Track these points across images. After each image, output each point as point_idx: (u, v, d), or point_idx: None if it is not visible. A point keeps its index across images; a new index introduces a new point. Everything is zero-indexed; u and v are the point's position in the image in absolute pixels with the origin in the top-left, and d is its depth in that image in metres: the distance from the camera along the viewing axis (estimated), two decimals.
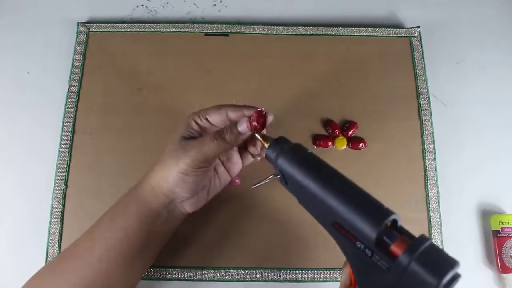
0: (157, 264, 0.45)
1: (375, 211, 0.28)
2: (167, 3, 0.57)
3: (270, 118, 0.36)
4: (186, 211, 0.39)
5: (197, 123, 0.38)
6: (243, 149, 0.41)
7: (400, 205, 0.48)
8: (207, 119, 0.38)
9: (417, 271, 0.24)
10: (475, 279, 0.47)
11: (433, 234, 0.47)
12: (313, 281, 0.46)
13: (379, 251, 0.26)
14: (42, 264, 0.45)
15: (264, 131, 0.36)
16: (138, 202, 0.37)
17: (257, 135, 0.35)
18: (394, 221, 0.28)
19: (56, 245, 0.46)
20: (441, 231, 0.47)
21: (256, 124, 0.35)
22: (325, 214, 0.30)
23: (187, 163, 0.35)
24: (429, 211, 0.48)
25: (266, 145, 0.33)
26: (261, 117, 0.35)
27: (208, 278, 0.45)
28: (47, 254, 0.45)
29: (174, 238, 0.46)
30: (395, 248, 0.26)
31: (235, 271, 0.46)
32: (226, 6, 0.57)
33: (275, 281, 0.45)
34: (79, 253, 0.37)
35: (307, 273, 0.46)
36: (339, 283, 0.45)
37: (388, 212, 0.27)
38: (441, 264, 0.24)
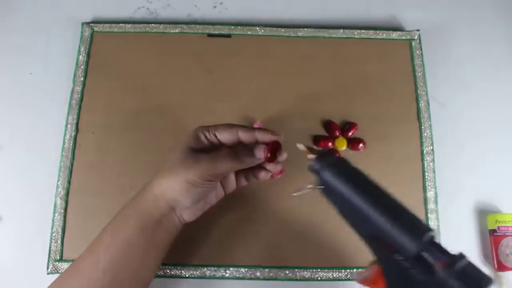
0: None
1: (417, 227, 0.29)
2: (168, 5, 0.58)
3: (284, 156, 0.38)
4: (184, 220, 0.40)
5: (206, 137, 0.38)
6: (247, 170, 0.42)
7: None
8: (215, 135, 0.38)
9: (456, 286, 0.26)
10: None
11: None
12: (312, 280, 0.46)
13: (419, 265, 0.28)
14: (45, 261, 0.46)
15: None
16: (140, 213, 0.38)
17: (301, 147, 0.36)
18: (432, 237, 0.30)
19: (59, 242, 0.46)
20: (439, 232, 0.48)
21: (269, 155, 0.37)
22: (366, 226, 0.31)
23: (197, 174, 0.35)
24: (427, 212, 0.49)
25: (312, 156, 0.34)
26: (277, 147, 0.38)
27: (208, 275, 0.46)
28: (49, 251, 0.46)
29: None
30: (436, 263, 0.28)
31: (236, 269, 0.46)
32: (226, 8, 0.58)
33: (275, 279, 0.46)
34: (83, 269, 0.37)
35: (305, 272, 0.46)
36: (338, 281, 0.46)
37: (429, 229, 0.29)
38: (478, 280, 0.27)
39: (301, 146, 0.36)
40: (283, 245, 0.47)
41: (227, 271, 0.46)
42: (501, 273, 0.47)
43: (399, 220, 0.30)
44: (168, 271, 0.46)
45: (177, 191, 0.36)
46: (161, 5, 0.58)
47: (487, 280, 0.27)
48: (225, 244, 0.47)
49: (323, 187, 0.34)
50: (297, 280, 0.46)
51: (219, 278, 0.46)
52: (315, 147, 0.36)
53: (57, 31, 0.56)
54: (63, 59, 0.54)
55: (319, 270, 0.46)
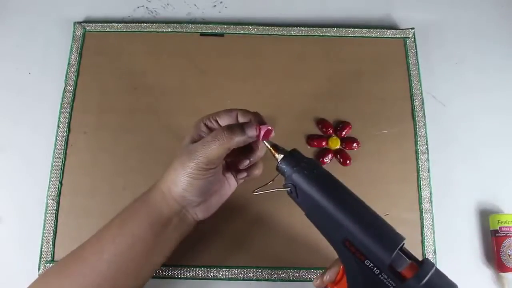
0: None
1: (389, 236, 0.30)
2: (168, 4, 0.58)
3: (272, 135, 0.36)
4: (198, 217, 0.39)
5: (206, 126, 0.38)
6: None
7: (393, 206, 0.48)
8: (217, 121, 0.38)
9: None
10: (474, 278, 0.47)
11: (425, 235, 0.47)
12: (305, 281, 0.46)
13: (389, 272, 0.29)
14: (36, 262, 0.46)
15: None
16: (149, 208, 0.37)
17: (267, 144, 0.34)
18: (403, 245, 0.30)
19: (50, 243, 0.46)
20: (434, 231, 0.48)
21: (260, 133, 0.35)
22: (336, 231, 0.31)
23: (192, 166, 0.35)
24: (422, 212, 0.48)
25: (278, 156, 0.33)
26: (268, 134, 0.35)
27: (201, 276, 0.46)
28: (41, 252, 0.46)
29: None
30: (405, 272, 0.29)
31: (228, 269, 0.46)
32: (226, 7, 0.58)
33: (268, 280, 0.46)
34: (87, 257, 0.36)
35: (299, 273, 0.46)
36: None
37: (401, 238, 0.30)
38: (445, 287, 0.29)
39: (267, 144, 0.34)
40: (276, 246, 0.47)
41: (220, 272, 0.46)
42: (503, 274, 0.46)
43: (373, 228, 0.30)
44: (160, 271, 0.46)
45: (180, 186, 0.36)
46: (160, 4, 0.58)
47: (453, 287, 0.29)
48: (218, 245, 0.47)
49: (288, 189, 0.33)
50: (290, 280, 0.46)
51: (211, 279, 0.46)
52: (280, 146, 0.34)
53: (50, 31, 0.55)
54: (56, 59, 0.54)
55: (312, 270, 0.46)
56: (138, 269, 0.37)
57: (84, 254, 0.37)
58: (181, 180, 0.36)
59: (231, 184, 0.41)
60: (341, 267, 0.33)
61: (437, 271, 0.29)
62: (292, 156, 0.33)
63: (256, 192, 0.36)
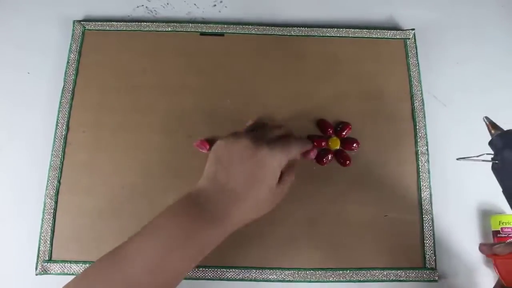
0: None
1: None
2: (167, 4, 0.58)
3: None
4: None
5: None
6: None
7: (392, 207, 0.48)
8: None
9: None
10: (475, 279, 0.47)
11: (425, 236, 0.47)
12: (305, 281, 0.46)
13: None
14: (34, 261, 0.45)
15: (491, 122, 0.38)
16: (204, 249, 0.36)
17: (486, 121, 0.37)
18: None
19: (48, 243, 0.46)
20: (434, 232, 0.48)
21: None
22: None
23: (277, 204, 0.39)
24: (422, 213, 0.48)
25: (494, 132, 0.36)
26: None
27: (200, 277, 0.45)
28: (38, 251, 0.45)
29: None
30: None
31: (227, 270, 0.45)
32: (226, 7, 0.58)
33: (267, 280, 0.45)
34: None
35: (299, 273, 0.46)
36: (330, 283, 0.45)
37: None
38: None
39: (485, 120, 0.37)
40: (276, 246, 0.47)
41: (219, 272, 0.45)
42: None
43: None
44: None
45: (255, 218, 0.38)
46: (160, 4, 0.58)
47: None
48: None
49: (496, 162, 0.35)
50: (290, 281, 0.45)
51: (211, 279, 0.45)
52: (497, 125, 0.38)
53: (49, 29, 0.55)
54: (55, 58, 0.53)
55: (311, 271, 0.46)
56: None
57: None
58: (263, 212, 0.39)
59: None
60: None
61: None
62: (507, 134, 0.36)
63: (460, 159, 0.40)
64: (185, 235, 0.34)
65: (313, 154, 0.48)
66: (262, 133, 0.41)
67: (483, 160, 0.37)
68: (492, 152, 0.37)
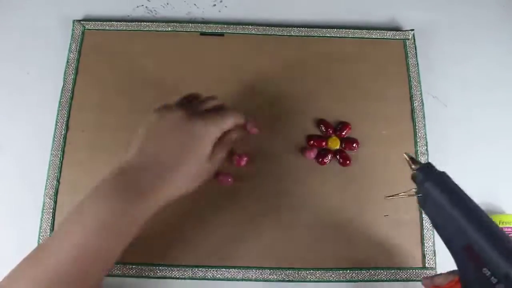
0: (147, 261, 0.45)
1: (510, 246, 0.30)
2: (167, 3, 0.58)
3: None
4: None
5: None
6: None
7: (392, 206, 0.48)
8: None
9: None
10: None
11: (425, 235, 0.47)
12: (304, 281, 0.45)
13: (506, 282, 0.29)
14: None
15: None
16: (135, 224, 0.35)
17: (405, 156, 0.37)
18: None
19: None
20: (433, 232, 0.48)
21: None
22: (458, 237, 0.33)
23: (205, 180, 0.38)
24: (422, 213, 0.48)
25: (414, 167, 0.36)
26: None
27: (199, 277, 0.45)
28: None
29: (164, 236, 0.46)
30: None
31: (227, 270, 0.45)
32: (226, 6, 0.58)
33: (267, 280, 0.45)
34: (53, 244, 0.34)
35: (299, 273, 0.46)
36: (330, 282, 0.45)
37: None
38: None
39: (406, 156, 0.38)
40: (276, 246, 0.47)
41: (219, 272, 0.45)
42: None
43: (495, 237, 0.31)
44: (158, 271, 0.45)
45: (185, 191, 0.37)
46: (160, 4, 0.58)
47: None
48: (217, 245, 0.46)
49: (420, 195, 0.36)
50: (289, 281, 0.45)
51: (210, 279, 0.45)
52: (416, 159, 0.37)
53: (49, 29, 0.55)
54: (55, 57, 0.53)
55: (311, 270, 0.46)
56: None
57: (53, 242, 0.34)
58: (193, 186, 0.38)
59: None
60: (456, 278, 0.34)
61: None
62: (426, 168, 0.36)
63: (388, 197, 0.41)
64: (112, 214, 0.33)
65: (313, 154, 0.49)
66: (195, 104, 0.41)
67: (410, 195, 0.37)
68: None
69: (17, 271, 0.34)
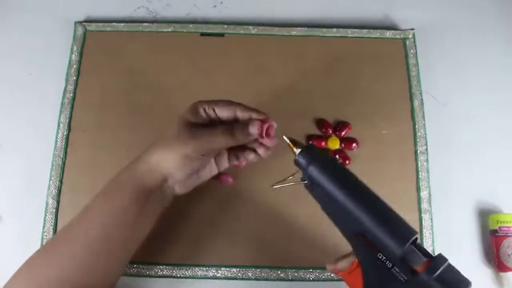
0: (147, 260, 0.46)
1: (402, 229, 0.30)
2: (168, 5, 0.58)
3: (274, 129, 0.39)
4: (175, 192, 0.40)
5: (205, 111, 0.39)
6: (241, 149, 0.42)
7: (392, 205, 0.48)
8: (214, 110, 0.39)
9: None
10: (473, 277, 0.46)
11: (424, 235, 0.47)
12: (304, 280, 0.46)
13: (401, 265, 0.29)
14: None
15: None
16: (135, 180, 0.37)
17: (286, 139, 0.35)
18: (416, 239, 0.30)
19: None
20: (432, 231, 0.48)
21: (264, 134, 0.37)
22: (350, 224, 0.31)
23: (193, 149, 0.36)
24: (421, 212, 0.48)
25: (296, 150, 0.34)
26: (270, 130, 0.38)
27: (200, 275, 0.46)
28: None
29: (164, 235, 0.46)
30: (417, 265, 0.29)
31: (227, 269, 0.46)
32: (226, 7, 0.58)
33: (267, 279, 0.46)
34: (74, 237, 0.36)
35: (298, 272, 0.46)
36: (329, 282, 0.46)
37: (413, 232, 0.30)
38: (457, 283, 0.29)
39: (286, 139, 0.35)
40: (275, 245, 0.47)
41: (219, 271, 0.46)
42: (503, 274, 0.46)
43: (386, 222, 0.30)
44: (159, 270, 0.46)
45: (172, 163, 0.37)
46: (160, 5, 0.58)
47: (466, 283, 0.29)
48: (217, 245, 0.47)
49: (306, 182, 0.33)
50: (289, 280, 0.46)
51: (210, 278, 0.46)
52: (300, 140, 0.35)
53: (51, 30, 0.56)
54: (57, 58, 0.54)
55: (311, 270, 0.46)
56: (125, 244, 0.38)
57: (71, 235, 0.37)
58: (175, 157, 0.37)
59: (212, 169, 0.43)
60: (356, 261, 0.34)
61: (450, 266, 0.29)
62: (309, 150, 0.34)
63: (275, 186, 0.37)
64: (122, 176, 0.39)
65: None
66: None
67: (296, 183, 0.34)
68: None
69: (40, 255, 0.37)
